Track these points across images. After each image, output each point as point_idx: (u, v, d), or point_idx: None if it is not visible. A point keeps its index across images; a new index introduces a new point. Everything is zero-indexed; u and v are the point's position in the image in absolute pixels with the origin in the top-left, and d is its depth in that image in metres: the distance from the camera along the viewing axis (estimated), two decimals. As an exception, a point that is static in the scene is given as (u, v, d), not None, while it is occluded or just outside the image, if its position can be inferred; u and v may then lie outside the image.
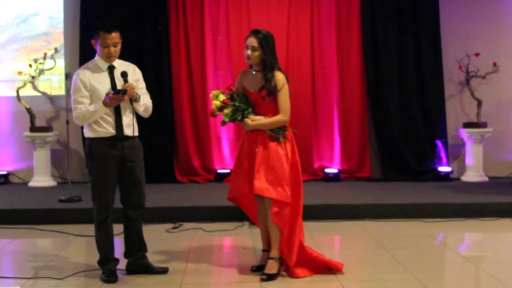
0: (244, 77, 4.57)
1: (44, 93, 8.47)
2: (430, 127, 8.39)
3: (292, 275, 4.43)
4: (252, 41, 4.40)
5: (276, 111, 4.41)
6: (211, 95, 4.50)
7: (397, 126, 8.39)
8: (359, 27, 8.39)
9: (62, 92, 8.45)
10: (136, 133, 4.44)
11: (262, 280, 4.34)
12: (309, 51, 8.35)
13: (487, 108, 8.37)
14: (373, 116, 8.47)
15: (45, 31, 8.64)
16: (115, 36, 4.30)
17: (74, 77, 4.38)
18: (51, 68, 8.21)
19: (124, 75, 4.33)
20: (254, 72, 4.50)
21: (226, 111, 4.42)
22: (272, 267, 4.41)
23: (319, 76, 8.39)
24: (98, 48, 4.35)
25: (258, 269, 4.53)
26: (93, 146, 4.36)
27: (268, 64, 4.39)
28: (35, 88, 8.38)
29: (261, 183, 4.31)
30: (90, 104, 4.31)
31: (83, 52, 8.25)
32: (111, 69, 4.39)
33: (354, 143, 8.46)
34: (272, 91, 4.37)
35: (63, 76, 8.21)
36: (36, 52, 8.39)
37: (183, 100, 8.34)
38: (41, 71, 8.16)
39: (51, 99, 8.51)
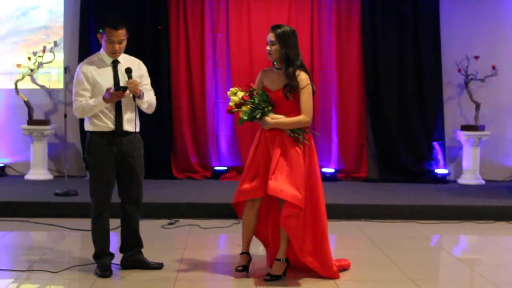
0: (265, 75, 4.41)
1: (42, 87, 8.44)
2: (428, 128, 8.38)
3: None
4: (270, 36, 4.28)
5: (297, 112, 4.25)
6: (229, 92, 4.32)
7: (395, 127, 8.38)
8: (359, 27, 8.37)
9: (60, 85, 8.42)
10: (138, 129, 4.41)
11: (265, 280, 4.27)
12: (308, 50, 8.30)
13: (485, 111, 8.35)
14: (371, 117, 8.46)
15: (45, 24, 8.61)
16: (121, 33, 4.26)
17: (77, 69, 4.36)
18: (50, 62, 8.17)
19: (128, 71, 4.29)
20: (275, 70, 4.35)
21: (244, 108, 4.23)
22: (278, 268, 4.31)
23: (318, 75, 8.36)
24: (103, 43, 4.32)
25: (244, 269, 4.42)
26: (92, 139, 4.36)
27: (288, 59, 4.25)
28: (33, 81, 8.35)
29: (276, 184, 4.13)
30: (91, 97, 4.30)
31: (82, 46, 8.23)
32: (115, 63, 4.37)
33: (352, 143, 8.44)
34: (293, 88, 4.23)
35: (62, 70, 8.17)
36: (36, 45, 8.35)
37: (181, 96, 8.31)
38: (40, 64, 8.13)
39: (50, 92, 8.48)
